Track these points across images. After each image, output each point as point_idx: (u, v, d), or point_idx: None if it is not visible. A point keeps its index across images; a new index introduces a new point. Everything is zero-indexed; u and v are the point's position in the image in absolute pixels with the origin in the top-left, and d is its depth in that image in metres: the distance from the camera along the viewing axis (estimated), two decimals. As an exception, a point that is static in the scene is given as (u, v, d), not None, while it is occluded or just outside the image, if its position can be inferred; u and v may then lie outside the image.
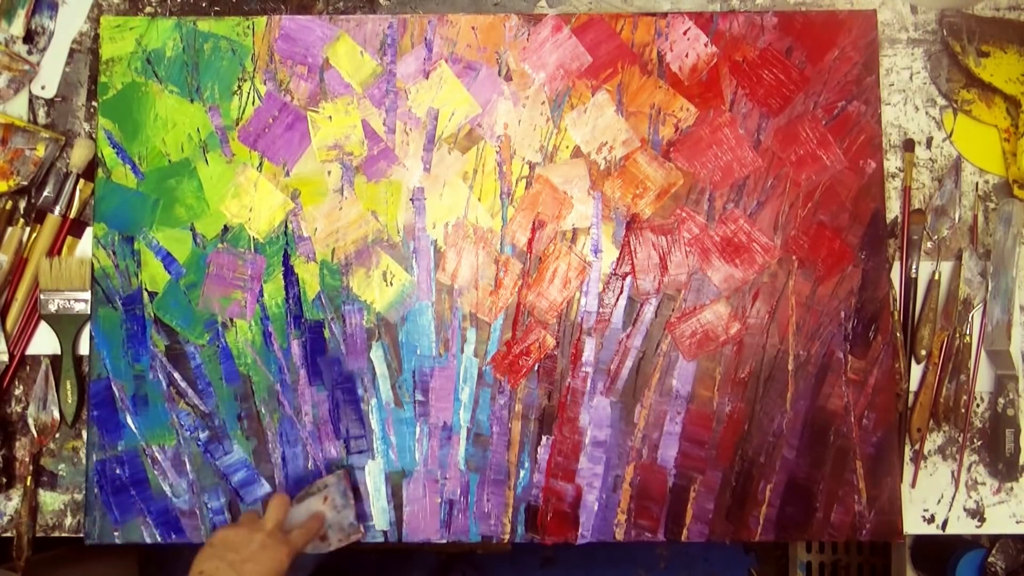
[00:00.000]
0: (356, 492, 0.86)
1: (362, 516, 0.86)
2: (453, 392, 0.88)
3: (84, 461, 0.88)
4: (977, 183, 0.92)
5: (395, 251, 0.89)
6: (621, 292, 0.89)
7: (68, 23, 0.94)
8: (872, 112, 0.90)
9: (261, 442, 0.87)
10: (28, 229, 0.90)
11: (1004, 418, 0.88)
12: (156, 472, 0.87)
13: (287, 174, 0.90)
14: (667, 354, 0.88)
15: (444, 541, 0.87)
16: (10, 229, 0.90)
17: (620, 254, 0.89)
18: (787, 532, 0.87)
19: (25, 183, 0.90)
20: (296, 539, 0.78)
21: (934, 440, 0.90)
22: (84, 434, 0.89)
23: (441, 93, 0.91)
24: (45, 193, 0.90)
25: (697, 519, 0.87)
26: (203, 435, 0.87)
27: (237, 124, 0.90)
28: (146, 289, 0.88)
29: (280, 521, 0.78)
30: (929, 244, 0.91)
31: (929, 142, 0.93)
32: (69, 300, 0.88)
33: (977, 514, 0.89)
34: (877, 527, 0.86)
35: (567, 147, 0.90)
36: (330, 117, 0.90)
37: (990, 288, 0.90)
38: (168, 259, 0.89)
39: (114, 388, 0.87)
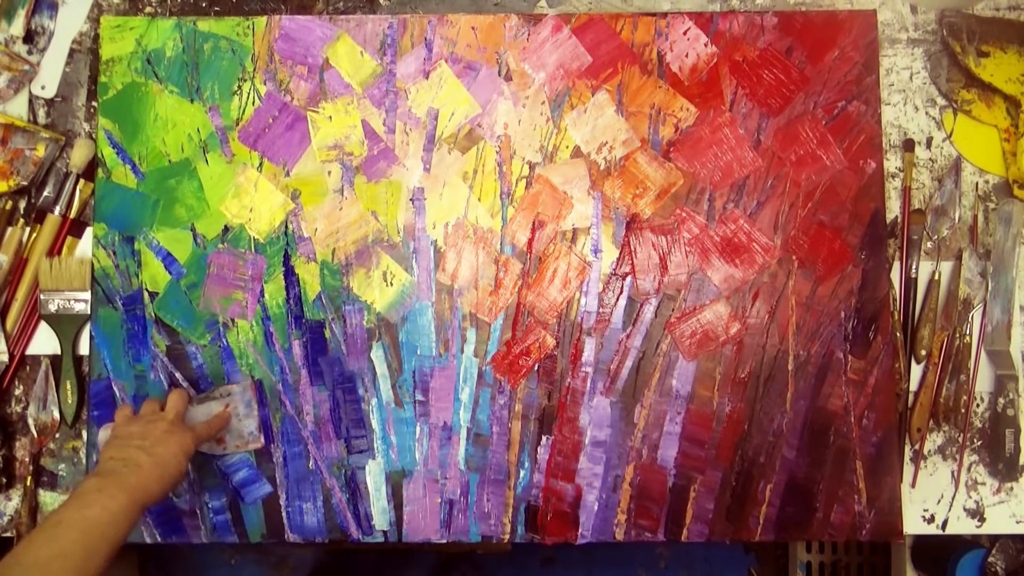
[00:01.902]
0: (258, 404, 0.87)
1: (264, 429, 0.87)
2: (453, 392, 0.88)
3: (84, 461, 0.88)
4: (977, 183, 0.92)
5: (395, 251, 0.89)
6: (621, 292, 0.89)
7: (68, 23, 0.94)
8: (872, 112, 0.90)
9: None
10: (28, 229, 0.90)
11: (1004, 418, 0.88)
12: (156, 472, 0.87)
13: (287, 174, 0.90)
14: (667, 354, 0.88)
15: (444, 541, 0.87)
16: (10, 229, 0.90)
17: (620, 254, 0.89)
18: (787, 532, 0.87)
19: (25, 183, 0.90)
20: (200, 429, 0.80)
21: (934, 440, 0.90)
22: (84, 434, 0.89)
23: (441, 93, 0.91)
24: (45, 193, 0.90)
25: (697, 519, 0.87)
26: (203, 435, 0.87)
27: (237, 124, 0.90)
28: (147, 289, 0.88)
29: (180, 412, 0.79)
30: (929, 244, 0.91)
31: (929, 142, 0.93)
32: (69, 300, 0.88)
33: (977, 514, 0.89)
34: (877, 527, 0.86)
35: (567, 147, 0.90)
36: (330, 117, 0.90)
37: (990, 288, 0.90)
38: (169, 259, 0.89)
39: (114, 388, 0.87)
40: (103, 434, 0.81)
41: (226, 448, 0.86)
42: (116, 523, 0.67)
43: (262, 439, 0.86)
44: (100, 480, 0.69)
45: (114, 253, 0.89)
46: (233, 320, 0.88)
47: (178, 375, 0.87)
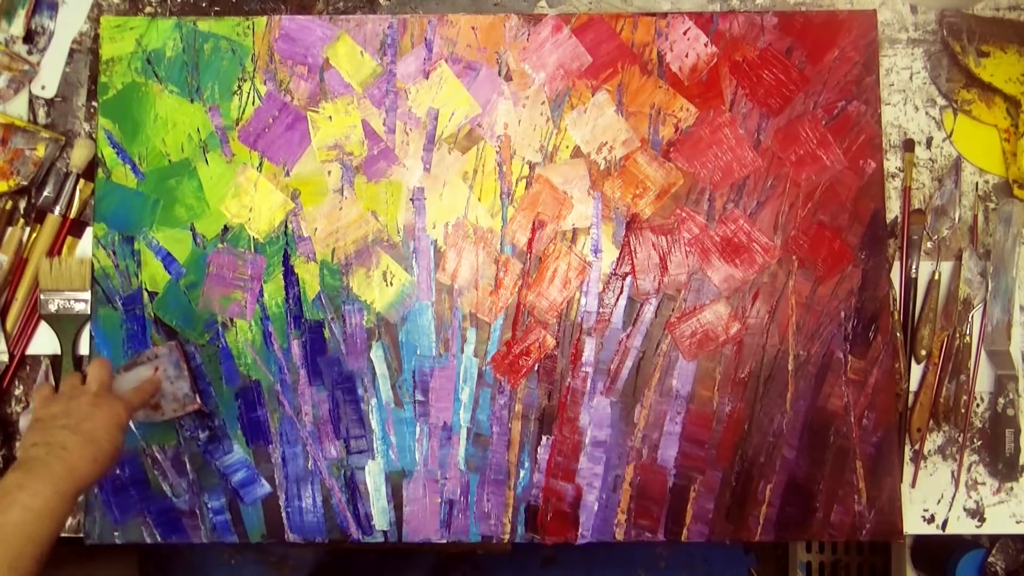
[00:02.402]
0: (189, 365, 0.86)
1: (202, 393, 0.86)
2: (453, 392, 0.88)
3: (84, 461, 0.88)
4: (977, 183, 0.92)
5: (395, 251, 0.89)
6: (621, 292, 0.89)
7: (68, 23, 0.94)
8: (872, 112, 0.90)
9: (261, 442, 0.87)
10: (28, 229, 0.90)
11: (1004, 418, 0.88)
12: (156, 472, 0.87)
13: (287, 174, 0.90)
14: (667, 354, 0.88)
15: (444, 541, 0.87)
16: (10, 229, 0.90)
17: (620, 254, 0.89)
18: (787, 532, 0.87)
19: (25, 183, 0.90)
20: (131, 397, 0.76)
21: (934, 440, 0.90)
22: (84, 434, 0.88)
23: (441, 93, 0.91)
24: (45, 193, 0.90)
25: (697, 519, 0.87)
26: (203, 435, 0.87)
27: (237, 124, 0.90)
28: (146, 289, 0.88)
29: (104, 382, 0.73)
30: (929, 244, 0.91)
31: (929, 142, 0.93)
32: (69, 300, 0.88)
33: (977, 514, 0.89)
34: (877, 527, 0.86)
35: (567, 147, 0.90)
36: (330, 117, 0.90)
37: (990, 288, 0.90)
38: (168, 259, 0.89)
39: (114, 388, 0.87)
40: (23, 420, 0.75)
41: (164, 414, 0.83)
42: (42, 521, 0.60)
43: (198, 400, 0.85)
44: (20, 475, 0.62)
45: (114, 253, 0.89)
46: (232, 320, 0.88)
47: (178, 375, 0.88)
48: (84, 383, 0.73)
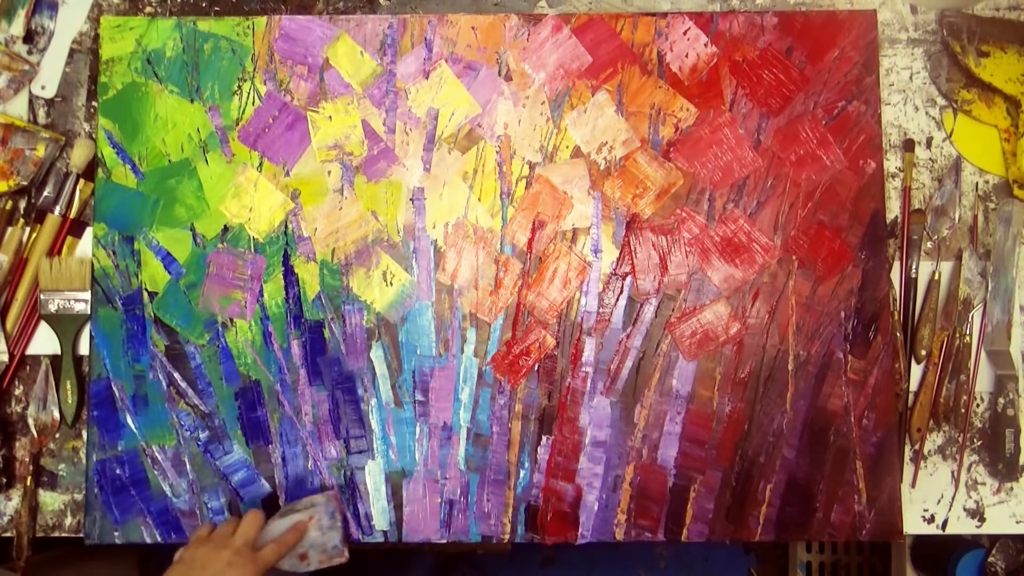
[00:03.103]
0: (344, 516, 0.85)
1: (348, 544, 0.84)
2: (453, 392, 0.88)
3: (84, 461, 0.88)
4: (977, 183, 0.92)
5: (395, 251, 0.89)
6: (621, 292, 0.89)
7: (68, 23, 0.94)
8: (872, 112, 0.90)
9: (261, 442, 0.87)
10: (28, 229, 0.90)
11: (1004, 418, 0.88)
12: (156, 472, 0.87)
13: (287, 174, 0.90)
14: (667, 354, 0.88)
15: (444, 541, 0.87)
16: (10, 229, 0.90)
17: (620, 254, 0.89)
18: (787, 532, 0.87)
19: (25, 183, 0.90)
20: (267, 554, 0.77)
21: (934, 440, 0.90)
22: (84, 434, 0.89)
23: (441, 93, 0.91)
24: (45, 193, 0.90)
25: (697, 519, 0.87)
26: (203, 435, 0.87)
27: (237, 124, 0.90)
28: (146, 289, 0.88)
29: (251, 539, 0.77)
30: (929, 244, 0.91)
31: (929, 142, 0.93)
32: (69, 300, 0.88)
33: (977, 514, 0.89)
34: (877, 527, 0.86)
35: (567, 147, 0.90)
36: (330, 117, 0.90)
37: (990, 288, 0.90)
38: (168, 259, 0.89)
39: (114, 388, 0.87)
40: (179, 554, 0.79)
41: (309, 564, 0.81)
42: None
43: (347, 553, 0.83)
44: None
45: (114, 253, 0.89)
46: (232, 320, 0.88)
47: (176, 375, 0.87)
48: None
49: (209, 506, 0.87)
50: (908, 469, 0.89)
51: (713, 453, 0.87)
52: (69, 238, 0.90)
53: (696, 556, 1.55)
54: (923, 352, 0.89)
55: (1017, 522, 0.89)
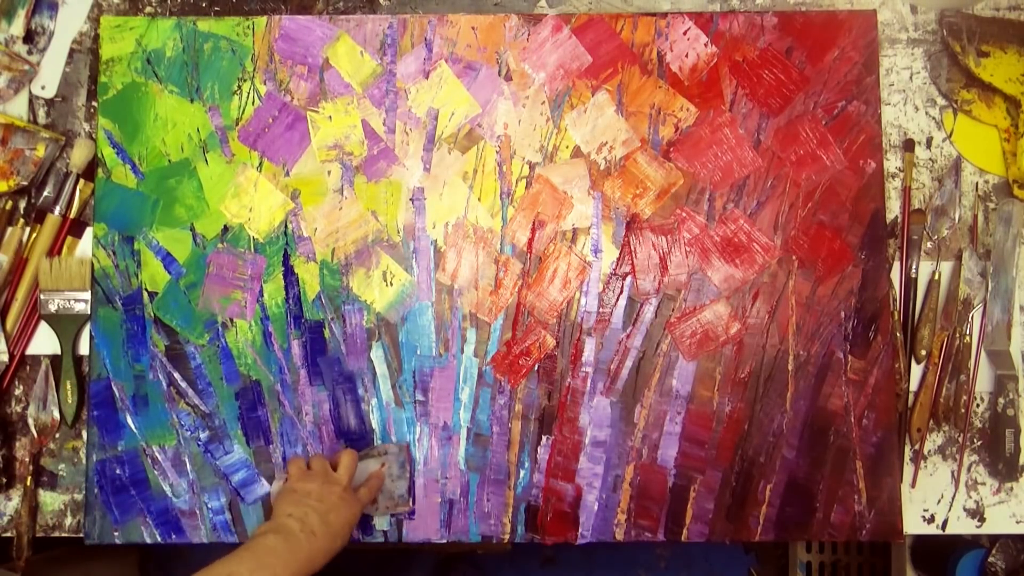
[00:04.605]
0: (411, 468, 0.87)
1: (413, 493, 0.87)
2: (453, 392, 0.88)
3: (84, 461, 0.88)
4: (977, 183, 0.92)
5: (395, 251, 0.89)
6: (621, 292, 0.89)
7: (68, 23, 0.94)
8: (872, 112, 0.90)
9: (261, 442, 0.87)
10: (28, 229, 0.90)
11: (1004, 418, 0.88)
12: (156, 472, 0.87)
13: (287, 174, 0.90)
14: (667, 354, 0.88)
15: (444, 541, 0.87)
16: (10, 229, 0.90)
17: (620, 254, 0.89)
18: (787, 532, 0.87)
19: (25, 183, 0.90)
20: (364, 496, 0.80)
21: (934, 440, 0.90)
22: (84, 434, 0.89)
23: (441, 93, 0.91)
24: (45, 193, 0.90)
25: (697, 519, 0.87)
26: (203, 435, 0.87)
27: (237, 124, 0.90)
28: (146, 289, 0.88)
29: (352, 477, 0.79)
30: (929, 244, 0.91)
31: (929, 142, 0.93)
32: (69, 300, 0.88)
33: (977, 514, 0.89)
34: (877, 527, 0.86)
35: (567, 147, 0.90)
36: (330, 117, 0.90)
37: (990, 288, 0.90)
38: (168, 259, 0.89)
39: (114, 388, 0.87)
40: (277, 484, 0.81)
41: (377, 509, 0.85)
42: None
43: (411, 503, 0.86)
44: (278, 540, 0.70)
45: (114, 253, 0.89)
46: (232, 320, 0.88)
47: (176, 375, 0.88)
48: (334, 469, 0.79)
49: (209, 506, 0.87)
50: (908, 469, 0.89)
51: (713, 453, 0.87)
52: (69, 238, 0.90)
53: (696, 556, 1.55)
54: (923, 352, 0.89)
55: (1017, 522, 0.89)
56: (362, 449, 0.86)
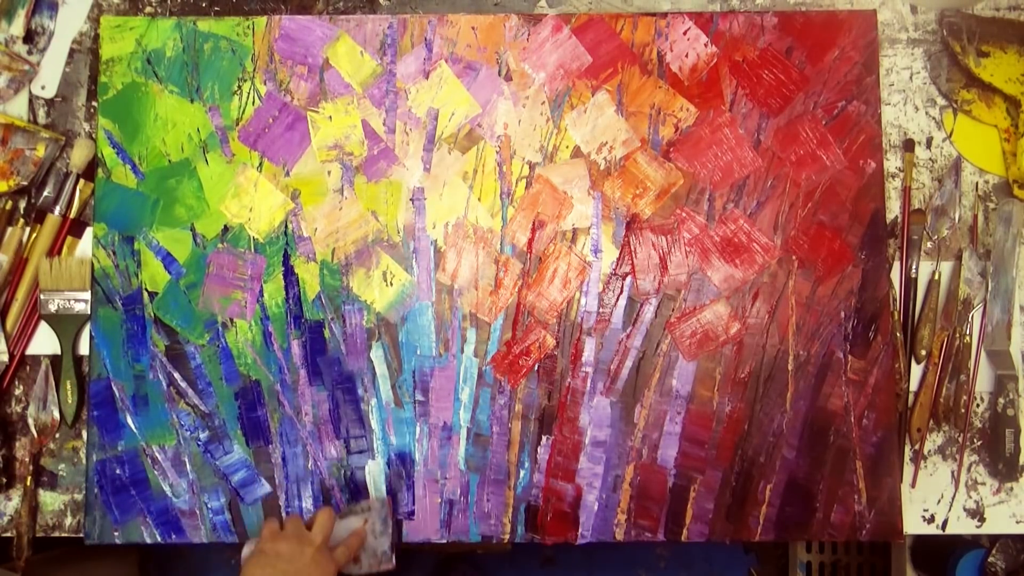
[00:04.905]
0: (394, 522, 0.85)
1: (397, 551, 0.85)
2: (453, 392, 0.88)
3: (84, 461, 0.88)
4: (977, 183, 0.92)
5: (395, 251, 0.89)
6: (621, 292, 0.89)
7: (68, 23, 0.94)
8: (872, 112, 0.90)
9: (261, 442, 0.87)
10: (28, 229, 0.90)
11: (1004, 418, 0.88)
12: (156, 472, 0.87)
13: (287, 174, 0.90)
14: (667, 354, 0.88)
15: (444, 541, 0.87)
16: (10, 229, 0.90)
17: (620, 254, 0.89)
18: (787, 532, 0.87)
19: (25, 183, 0.90)
20: (340, 556, 0.78)
21: (934, 440, 0.90)
22: (84, 434, 0.89)
23: (441, 93, 0.91)
24: (45, 193, 0.90)
25: (697, 519, 0.87)
26: (203, 435, 0.87)
27: (237, 124, 0.90)
28: (146, 289, 0.88)
29: (327, 536, 0.77)
30: (929, 244, 0.91)
31: (929, 142, 0.93)
32: (69, 300, 0.88)
33: (977, 514, 0.89)
34: (877, 527, 0.86)
35: (567, 147, 0.90)
36: (330, 117, 0.90)
37: (990, 288, 0.90)
38: (168, 259, 0.89)
39: (114, 388, 0.87)
40: (248, 548, 0.80)
41: (360, 568, 0.82)
42: None
43: (394, 560, 0.83)
44: None
45: (114, 253, 0.89)
46: (232, 320, 0.88)
47: (176, 375, 0.88)
48: (309, 528, 0.78)
49: (209, 506, 0.87)
50: (908, 469, 0.89)
51: (713, 453, 0.87)
52: (69, 238, 0.90)
53: (696, 556, 1.55)
54: (923, 352, 0.89)
55: (1017, 522, 0.89)
56: (344, 507, 0.85)
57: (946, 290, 0.90)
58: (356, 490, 0.87)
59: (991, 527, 0.89)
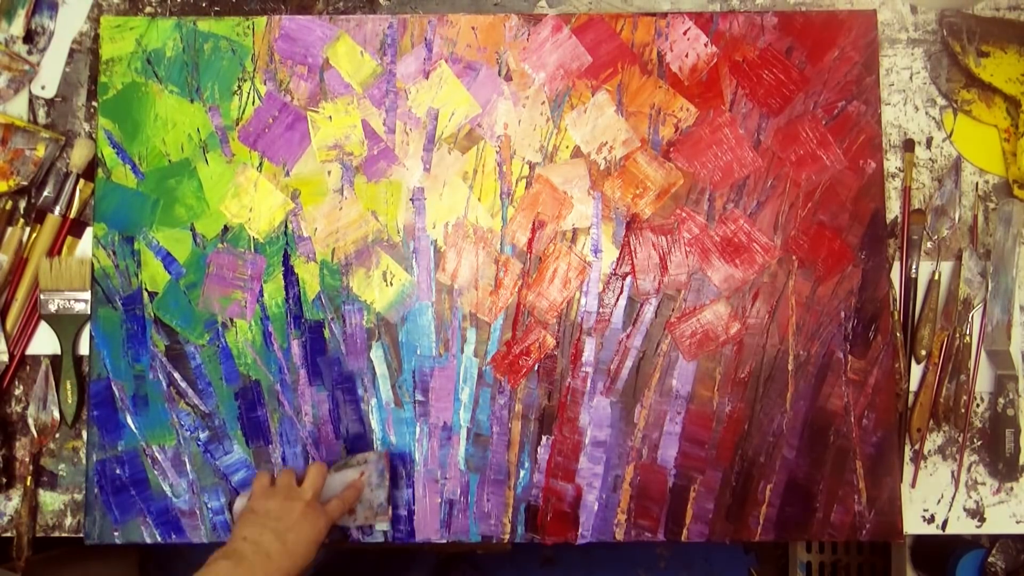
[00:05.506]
0: (394, 475, 0.86)
1: (393, 502, 0.86)
2: (453, 392, 0.88)
3: (84, 461, 0.88)
4: (977, 183, 0.92)
5: (395, 251, 0.89)
6: (621, 292, 0.89)
7: (68, 23, 0.94)
8: (872, 112, 0.90)
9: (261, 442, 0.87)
10: (28, 229, 0.90)
11: (1004, 418, 0.88)
12: (156, 472, 0.87)
13: (287, 174, 0.90)
14: (667, 354, 0.88)
15: (444, 541, 0.87)
16: (10, 229, 0.90)
17: (620, 254, 0.89)
18: (787, 532, 0.87)
19: (25, 183, 0.90)
20: (333, 509, 0.78)
21: (934, 440, 0.90)
22: (84, 434, 0.89)
23: (441, 93, 0.91)
24: (45, 193, 0.90)
25: (697, 519, 0.87)
26: (203, 435, 0.87)
27: (237, 124, 0.90)
28: (146, 289, 0.88)
29: (318, 491, 0.78)
30: (929, 244, 0.91)
31: (929, 142, 0.93)
32: (69, 300, 0.88)
33: (977, 514, 0.89)
34: (877, 527, 0.86)
35: (567, 147, 0.90)
36: (330, 117, 0.90)
37: (990, 288, 0.90)
38: (168, 259, 0.89)
39: (114, 388, 0.87)
40: (240, 502, 0.80)
41: (356, 519, 0.83)
42: None
43: (391, 512, 0.84)
44: (230, 565, 0.68)
45: (114, 253, 0.89)
46: (232, 320, 0.88)
47: (176, 375, 0.88)
48: (300, 483, 0.78)
49: (209, 506, 0.87)
50: (908, 469, 0.89)
51: (713, 453, 0.87)
52: (69, 238, 0.90)
53: (696, 556, 1.55)
54: (923, 352, 0.89)
55: (1017, 522, 0.89)
56: (342, 459, 0.85)
57: (946, 290, 0.90)
58: (353, 442, 0.87)
59: (991, 527, 0.89)
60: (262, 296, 0.89)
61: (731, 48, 0.91)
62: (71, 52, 0.93)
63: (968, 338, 0.89)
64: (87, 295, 0.88)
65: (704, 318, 0.88)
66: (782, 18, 0.91)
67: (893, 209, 0.91)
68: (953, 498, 0.89)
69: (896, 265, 0.90)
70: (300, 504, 0.75)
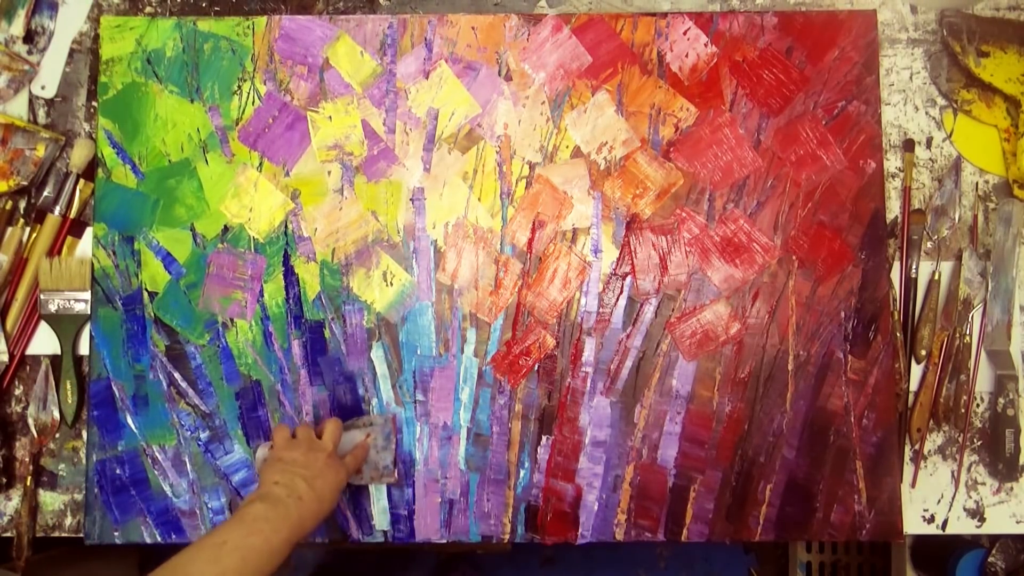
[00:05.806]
0: (397, 439, 0.87)
1: (400, 466, 0.87)
2: (453, 392, 0.88)
3: (84, 461, 0.88)
4: (977, 183, 0.92)
5: (395, 251, 0.89)
6: (621, 292, 0.89)
7: (68, 23, 0.94)
8: (872, 112, 0.90)
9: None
10: (28, 229, 0.90)
11: (1004, 418, 0.88)
12: (156, 472, 0.87)
13: (287, 174, 0.90)
14: (667, 354, 0.88)
15: (444, 541, 0.87)
16: (10, 229, 0.90)
17: (620, 254, 0.89)
18: (787, 532, 0.87)
19: (25, 183, 0.90)
20: (349, 463, 0.80)
21: (934, 440, 0.90)
22: (84, 434, 0.89)
23: (441, 93, 0.91)
24: (45, 193, 0.90)
25: (697, 519, 0.87)
26: (203, 435, 0.87)
27: (237, 124, 0.90)
28: (146, 289, 0.88)
29: (337, 444, 0.80)
30: (929, 244, 0.91)
31: (929, 142, 0.93)
32: (69, 300, 0.88)
33: (977, 514, 0.89)
34: (877, 527, 0.86)
35: (567, 147, 0.90)
36: (330, 117, 0.90)
37: (990, 288, 0.90)
38: (168, 259, 0.89)
39: (114, 388, 0.87)
40: (262, 451, 0.81)
41: (362, 479, 0.85)
42: (272, 556, 0.67)
43: (396, 474, 0.85)
44: (266, 507, 0.69)
45: (114, 253, 0.89)
46: (232, 320, 0.88)
47: (177, 375, 0.88)
48: (319, 437, 0.79)
49: (210, 506, 0.87)
50: (908, 469, 0.89)
51: (713, 453, 0.87)
52: (69, 238, 0.90)
53: (696, 556, 1.55)
54: (923, 352, 0.89)
55: (1017, 522, 0.89)
56: (348, 420, 0.86)
57: (946, 290, 0.90)
58: (357, 405, 0.87)
59: (991, 527, 0.89)
60: (262, 296, 0.89)
61: (731, 48, 0.91)
62: (71, 52, 0.93)
63: (968, 338, 0.89)
64: (87, 295, 0.88)
65: (704, 318, 0.88)
66: (782, 18, 0.91)
67: (893, 209, 0.91)
68: (953, 498, 0.89)
69: (896, 265, 0.90)
70: (323, 455, 0.77)
